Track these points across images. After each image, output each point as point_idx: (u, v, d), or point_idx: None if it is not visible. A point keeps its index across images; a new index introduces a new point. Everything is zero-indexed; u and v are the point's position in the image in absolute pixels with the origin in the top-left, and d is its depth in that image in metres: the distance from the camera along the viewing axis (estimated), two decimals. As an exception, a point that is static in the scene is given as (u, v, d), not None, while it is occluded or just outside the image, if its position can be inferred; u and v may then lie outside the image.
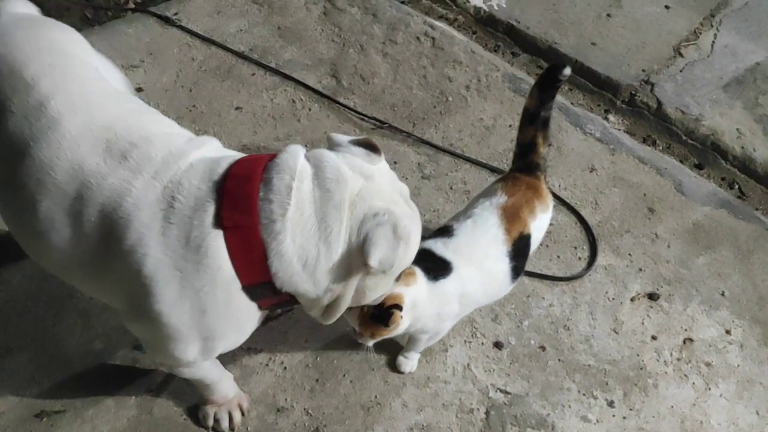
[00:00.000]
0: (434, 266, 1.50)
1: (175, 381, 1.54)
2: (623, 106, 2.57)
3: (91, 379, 1.58)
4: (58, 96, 1.16)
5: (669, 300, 1.95)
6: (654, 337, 1.86)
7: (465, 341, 1.78)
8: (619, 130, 2.48)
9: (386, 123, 2.27)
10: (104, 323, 1.65)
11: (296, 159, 1.14)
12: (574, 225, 2.09)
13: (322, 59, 2.47)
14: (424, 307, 1.47)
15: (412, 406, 1.65)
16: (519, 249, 1.58)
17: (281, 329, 1.71)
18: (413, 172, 2.15)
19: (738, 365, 1.85)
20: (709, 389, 1.79)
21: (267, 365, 1.66)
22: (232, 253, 1.09)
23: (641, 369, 1.80)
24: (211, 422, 1.52)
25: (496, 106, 2.41)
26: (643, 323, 1.89)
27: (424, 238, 1.63)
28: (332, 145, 1.23)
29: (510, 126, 2.34)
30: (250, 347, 1.67)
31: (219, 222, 1.09)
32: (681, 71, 2.68)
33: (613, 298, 1.93)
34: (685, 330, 1.90)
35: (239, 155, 1.20)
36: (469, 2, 2.85)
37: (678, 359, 1.83)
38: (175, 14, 2.50)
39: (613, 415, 1.71)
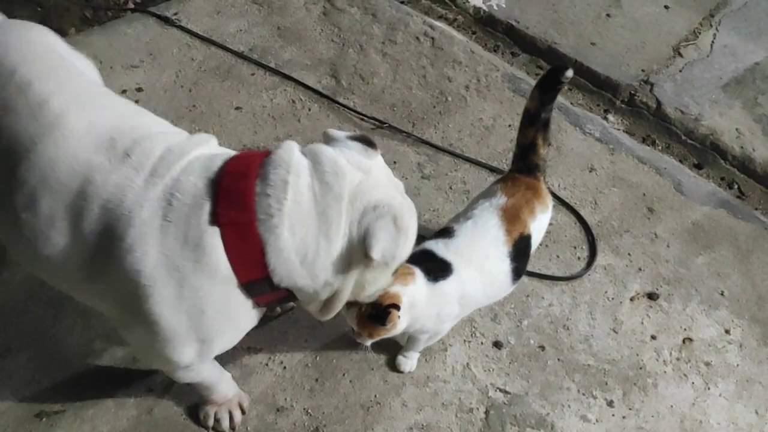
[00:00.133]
0: (434, 267, 1.51)
1: (175, 381, 1.54)
2: (623, 106, 2.57)
3: (91, 379, 1.58)
4: (59, 95, 1.16)
5: (668, 300, 1.95)
6: (653, 337, 1.87)
7: (464, 341, 1.78)
8: (619, 130, 2.48)
9: (386, 123, 2.27)
10: (104, 323, 1.65)
11: (291, 154, 1.14)
12: (574, 225, 2.10)
13: (321, 59, 2.47)
14: (423, 307, 1.47)
15: (412, 406, 1.65)
16: (519, 250, 1.58)
17: (281, 329, 1.71)
18: (413, 172, 2.16)
19: (737, 365, 1.85)
20: (709, 389, 1.79)
21: (267, 365, 1.66)
22: (229, 250, 1.09)
23: (641, 368, 1.80)
24: (211, 422, 1.53)
25: (496, 106, 2.42)
26: (642, 323, 1.89)
27: (425, 239, 1.63)
28: (329, 141, 1.23)
29: (509, 126, 2.34)
30: (249, 347, 1.68)
31: (215, 219, 1.09)
32: (680, 71, 2.69)
33: (612, 298, 1.93)
34: (685, 330, 1.90)
35: (235, 153, 1.21)
36: (468, 2, 2.85)
37: (677, 359, 1.84)
38: (175, 14, 2.51)
39: (613, 415, 1.71)
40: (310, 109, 2.29)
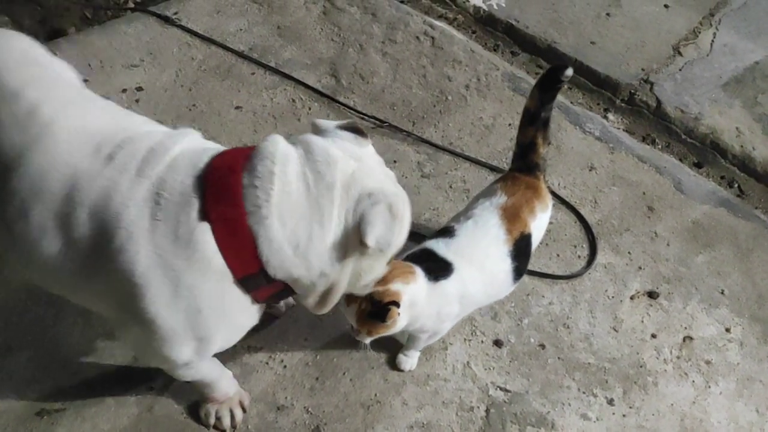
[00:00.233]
0: (435, 267, 1.51)
1: (176, 379, 1.54)
2: (623, 105, 2.58)
3: (91, 378, 1.58)
4: (48, 103, 1.15)
5: (668, 298, 1.96)
6: (654, 336, 1.87)
7: (465, 339, 1.78)
8: (619, 128, 2.48)
9: (386, 122, 2.27)
10: (104, 323, 1.65)
11: (276, 145, 1.14)
12: (574, 223, 2.10)
13: (321, 58, 2.47)
14: (423, 306, 1.47)
15: (412, 404, 1.65)
16: (520, 249, 1.59)
17: (281, 328, 1.71)
18: (413, 171, 2.16)
19: (738, 363, 1.85)
20: (709, 387, 1.79)
21: (267, 363, 1.67)
22: (221, 246, 1.09)
23: (641, 367, 1.80)
24: (212, 420, 1.53)
25: (496, 105, 2.42)
26: (642, 321, 1.89)
27: (425, 238, 1.64)
28: (318, 131, 1.23)
29: (509, 125, 2.34)
30: (250, 346, 1.68)
31: (205, 216, 1.09)
32: (680, 70, 2.69)
33: (612, 297, 1.93)
34: (685, 328, 1.90)
35: (220, 148, 1.20)
36: (468, 1, 2.85)
37: (678, 357, 1.84)
38: (175, 14, 2.51)
39: (613, 413, 1.71)
40: (310, 109, 2.29)
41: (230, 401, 1.53)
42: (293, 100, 2.30)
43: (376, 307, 1.38)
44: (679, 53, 2.77)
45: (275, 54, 2.45)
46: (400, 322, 1.43)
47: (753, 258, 2.10)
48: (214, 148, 1.20)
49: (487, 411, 1.67)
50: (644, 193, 2.23)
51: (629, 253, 2.05)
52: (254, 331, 1.68)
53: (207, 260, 1.09)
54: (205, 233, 1.08)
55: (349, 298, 1.43)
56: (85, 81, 2.22)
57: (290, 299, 1.59)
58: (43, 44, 2.34)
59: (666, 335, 1.87)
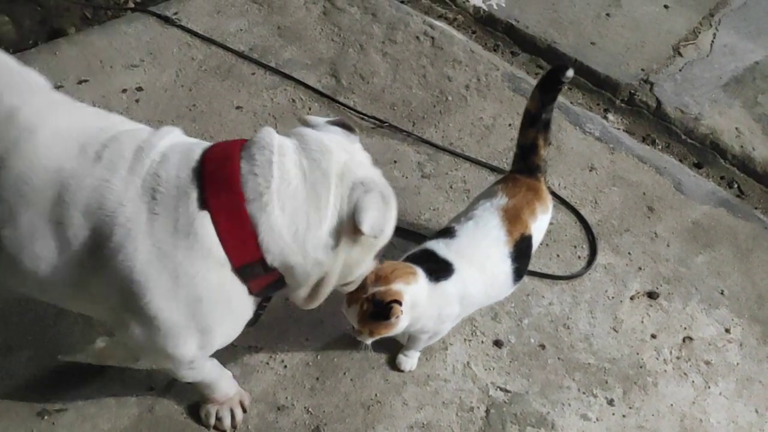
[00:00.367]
0: (436, 267, 1.51)
1: (176, 380, 1.54)
2: (622, 105, 2.58)
3: (92, 378, 1.58)
4: (24, 107, 1.14)
5: (668, 299, 1.96)
6: (653, 336, 1.87)
7: (465, 340, 1.78)
8: (619, 129, 2.49)
9: (386, 122, 2.27)
10: (105, 322, 1.65)
11: (272, 136, 1.17)
12: (574, 224, 2.10)
13: (321, 59, 2.47)
14: (425, 307, 1.47)
15: (413, 405, 1.65)
16: (521, 250, 1.59)
17: (282, 328, 1.71)
18: (413, 171, 2.16)
19: (737, 363, 1.85)
20: (709, 387, 1.79)
21: (267, 364, 1.67)
22: (221, 234, 1.10)
23: (641, 367, 1.80)
24: (213, 420, 1.53)
25: (496, 106, 2.42)
26: (642, 322, 1.90)
27: (426, 238, 1.64)
28: (309, 126, 1.25)
29: (509, 125, 2.35)
30: (250, 346, 1.68)
31: (204, 205, 1.10)
32: (680, 70, 2.69)
33: (612, 297, 1.94)
34: (685, 328, 1.90)
35: (205, 143, 1.21)
36: (468, 2, 2.85)
37: (677, 358, 1.84)
38: (175, 14, 2.51)
39: (613, 414, 1.71)
40: (310, 109, 2.29)
41: (230, 401, 1.54)
42: (293, 101, 2.31)
43: (378, 307, 1.38)
44: (679, 53, 2.77)
45: (275, 54, 2.45)
46: (401, 322, 1.43)
47: (753, 258, 2.11)
48: (200, 143, 1.22)
49: (487, 411, 1.67)
50: (644, 194, 2.23)
51: (629, 253, 2.05)
52: (255, 331, 1.69)
53: (207, 249, 1.10)
54: (204, 222, 1.09)
55: (351, 299, 1.43)
56: (85, 81, 2.23)
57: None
58: (43, 44, 2.36)
59: (666, 336, 1.88)
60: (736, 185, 2.38)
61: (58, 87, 2.18)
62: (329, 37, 2.56)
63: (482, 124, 2.35)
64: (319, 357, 1.70)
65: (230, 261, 1.12)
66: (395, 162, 2.17)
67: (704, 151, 2.45)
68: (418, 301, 1.44)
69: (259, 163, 1.12)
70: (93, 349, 1.51)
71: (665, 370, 1.81)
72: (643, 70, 2.67)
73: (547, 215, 1.69)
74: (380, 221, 1.17)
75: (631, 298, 1.94)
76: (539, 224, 1.65)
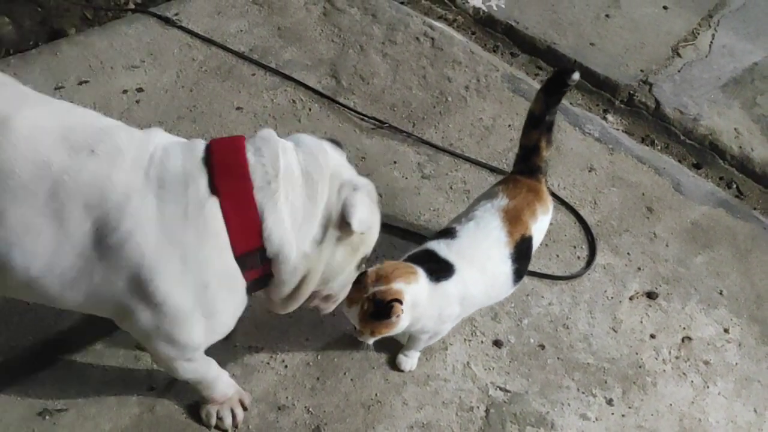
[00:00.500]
0: (437, 267, 1.51)
1: (177, 380, 1.55)
2: (622, 106, 2.58)
3: (93, 378, 1.59)
4: (0, 104, 1.13)
5: (667, 299, 1.96)
6: (653, 336, 1.88)
7: (465, 339, 1.79)
8: (618, 129, 2.49)
9: (386, 123, 2.28)
10: (106, 322, 1.66)
11: (272, 134, 1.24)
12: (573, 224, 2.11)
13: (322, 59, 2.48)
14: (425, 307, 1.48)
15: (413, 404, 1.66)
16: (521, 251, 1.59)
17: (282, 328, 1.72)
18: (413, 172, 2.16)
19: (736, 363, 1.86)
20: (708, 387, 1.80)
21: (268, 364, 1.67)
22: (227, 220, 1.14)
23: (640, 367, 1.81)
24: (214, 421, 1.53)
25: (496, 106, 2.42)
26: (641, 322, 1.90)
27: (426, 239, 1.64)
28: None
29: (509, 126, 2.35)
30: (251, 346, 1.68)
31: (214, 190, 1.14)
32: (679, 71, 2.70)
33: (611, 297, 1.94)
34: (684, 328, 1.91)
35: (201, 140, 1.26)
36: (468, 3, 2.86)
37: (676, 357, 1.85)
38: (176, 15, 2.51)
39: (612, 413, 1.72)
40: (310, 109, 2.30)
41: (230, 401, 1.54)
42: (294, 101, 2.31)
43: (379, 306, 1.39)
44: (678, 54, 2.78)
45: (276, 55, 2.46)
46: (402, 321, 1.44)
47: (751, 258, 2.11)
48: (199, 140, 1.25)
49: (487, 411, 1.68)
50: (643, 194, 2.24)
51: (628, 253, 2.06)
52: (255, 331, 1.70)
53: (215, 233, 1.14)
54: (213, 207, 1.14)
55: (351, 300, 1.44)
56: (86, 82, 2.23)
57: None
58: (44, 45, 2.36)
59: (665, 335, 1.88)
60: (735, 186, 2.39)
61: (58, 88, 2.19)
62: (329, 38, 2.57)
63: (482, 124, 2.36)
64: (319, 357, 1.70)
65: (233, 248, 1.16)
66: (395, 162, 2.17)
67: (703, 152, 2.46)
68: (419, 301, 1.45)
69: (266, 154, 1.18)
70: (94, 350, 1.51)
71: (664, 370, 1.81)
72: (642, 71, 2.67)
73: (548, 216, 1.70)
74: (368, 218, 1.24)
75: (630, 299, 1.95)
76: (540, 225, 1.66)
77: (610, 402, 1.73)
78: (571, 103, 2.53)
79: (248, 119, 2.23)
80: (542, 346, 1.81)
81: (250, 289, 1.27)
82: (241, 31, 2.52)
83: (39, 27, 2.44)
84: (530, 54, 2.72)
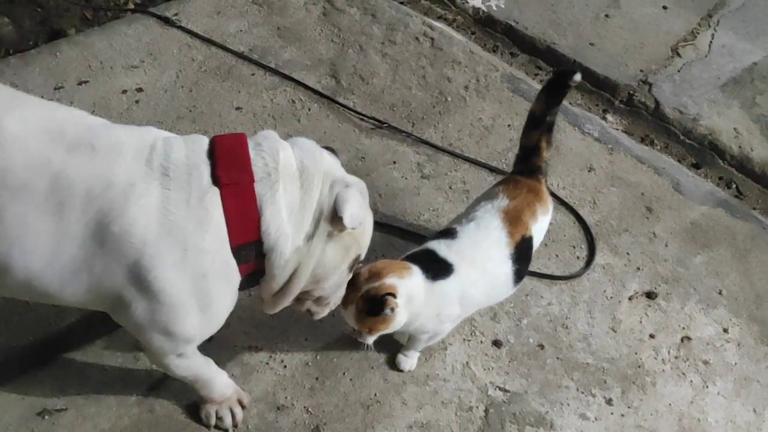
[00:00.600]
0: (435, 267, 1.52)
1: (176, 380, 1.55)
2: (621, 106, 2.59)
3: (92, 378, 1.59)
4: None
5: (667, 299, 1.96)
6: (652, 336, 1.88)
7: (464, 339, 1.79)
8: (617, 129, 2.49)
9: (385, 123, 2.28)
10: (106, 322, 1.66)
11: (271, 132, 1.28)
12: (573, 224, 2.11)
13: (321, 59, 2.48)
14: (422, 304, 1.48)
15: (412, 404, 1.66)
16: (521, 252, 1.60)
17: (282, 328, 1.72)
18: (412, 172, 2.16)
19: (735, 363, 1.86)
20: (707, 387, 1.80)
21: (267, 364, 1.67)
22: (227, 211, 1.17)
23: (639, 367, 1.81)
24: (213, 421, 1.53)
25: (495, 106, 2.43)
26: (641, 322, 1.90)
27: (426, 239, 1.64)
28: None
29: (509, 126, 2.35)
30: (250, 346, 1.68)
31: (216, 181, 1.17)
32: (679, 71, 2.70)
33: (611, 297, 1.94)
34: (683, 328, 1.91)
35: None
36: (467, 2, 2.86)
37: (676, 357, 1.85)
38: (175, 15, 2.51)
39: (612, 413, 1.72)
40: (310, 109, 2.30)
41: (229, 401, 1.54)
42: (293, 101, 2.31)
43: (373, 301, 1.39)
44: (678, 54, 2.78)
45: (275, 55, 2.46)
46: (399, 317, 1.44)
47: (751, 258, 2.11)
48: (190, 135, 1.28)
49: (486, 411, 1.68)
50: (643, 194, 2.24)
51: (628, 253, 2.06)
52: (254, 331, 1.71)
53: (215, 223, 1.16)
54: (215, 197, 1.16)
55: (347, 301, 1.45)
56: (86, 82, 2.24)
57: None
58: (44, 45, 2.37)
59: (664, 335, 1.88)
60: (734, 186, 2.39)
61: (58, 88, 2.19)
62: (329, 38, 2.57)
63: (481, 124, 2.36)
64: (318, 357, 1.70)
65: (230, 239, 1.18)
66: (394, 162, 2.17)
67: (703, 152, 2.46)
68: (414, 296, 1.45)
69: (266, 148, 1.23)
70: (93, 349, 1.51)
71: (663, 370, 1.82)
72: (641, 70, 2.67)
73: (548, 217, 1.70)
74: (359, 213, 1.26)
75: (630, 298, 1.95)
76: (540, 225, 1.66)
77: (609, 402, 1.74)
78: (570, 103, 2.53)
79: (248, 119, 2.23)
80: (541, 346, 1.81)
81: (242, 286, 1.28)
82: (241, 31, 2.52)
83: (39, 27, 2.44)
84: (530, 54, 2.73)
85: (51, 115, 1.17)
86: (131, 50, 2.36)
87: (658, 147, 2.47)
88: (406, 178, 2.14)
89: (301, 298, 1.40)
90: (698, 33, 2.89)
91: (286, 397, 1.63)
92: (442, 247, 1.56)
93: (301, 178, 1.24)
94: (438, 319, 1.55)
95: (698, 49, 2.81)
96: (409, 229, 1.98)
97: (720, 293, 2.01)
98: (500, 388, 1.72)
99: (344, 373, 1.69)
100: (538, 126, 1.65)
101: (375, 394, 1.66)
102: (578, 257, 2.02)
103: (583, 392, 1.74)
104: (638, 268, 2.02)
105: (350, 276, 1.42)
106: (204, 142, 1.23)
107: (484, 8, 2.84)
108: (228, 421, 1.53)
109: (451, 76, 2.51)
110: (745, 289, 2.03)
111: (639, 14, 2.94)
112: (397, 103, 2.38)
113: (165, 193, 1.14)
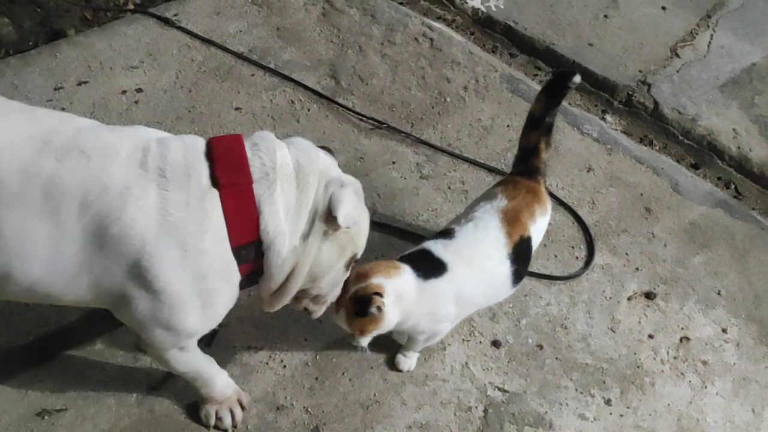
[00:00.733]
0: (428, 266, 1.52)
1: (176, 379, 1.55)
2: (620, 106, 2.59)
3: (92, 378, 1.59)
4: None
5: (665, 299, 1.97)
6: (651, 336, 1.88)
7: (463, 340, 1.79)
8: (616, 130, 2.50)
9: (385, 123, 2.28)
10: (106, 322, 1.66)
11: (266, 132, 1.29)
12: (572, 224, 2.11)
13: (321, 60, 2.48)
14: (414, 302, 1.48)
15: (411, 405, 1.66)
16: (520, 252, 1.60)
17: (281, 328, 1.72)
18: (412, 172, 2.17)
19: (734, 363, 1.86)
20: (706, 387, 1.80)
21: (267, 364, 1.67)
22: (226, 212, 1.18)
23: (638, 367, 1.81)
24: (213, 421, 1.53)
25: (494, 107, 2.43)
26: (639, 322, 1.91)
27: (425, 239, 1.65)
28: None
29: (508, 126, 2.36)
30: (250, 346, 1.69)
31: (214, 182, 1.18)
32: (677, 72, 2.70)
33: (610, 297, 1.94)
34: (682, 329, 1.91)
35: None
36: (466, 3, 2.86)
37: (674, 357, 1.85)
38: (175, 15, 2.51)
39: (611, 413, 1.72)
40: (309, 110, 2.30)
41: (228, 401, 1.54)
42: (292, 102, 2.31)
43: (360, 302, 1.40)
44: (677, 55, 2.78)
45: (275, 55, 2.46)
46: (389, 316, 1.44)
47: (749, 259, 2.12)
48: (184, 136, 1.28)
49: (485, 411, 1.68)
50: (641, 194, 2.24)
51: (626, 254, 2.06)
52: (254, 331, 1.71)
53: (215, 224, 1.17)
54: (214, 198, 1.17)
55: (338, 306, 1.47)
56: (85, 82, 2.24)
57: None
58: (44, 46, 2.37)
59: (663, 336, 1.89)
60: (733, 186, 2.39)
61: (58, 88, 2.20)
62: (328, 39, 2.57)
63: (480, 125, 2.36)
64: (318, 357, 1.71)
65: (230, 239, 1.19)
66: (394, 163, 2.18)
67: (701, 152, 2.46)
68: (404, 294, 1.46)
69: (263, 148, 1.23)
70: (93, 349, 1.52)
71: (662, 370, 1.82)
72: (640, 71, 2.68)
73: (546, 217, 1.71)
74: (354, 213, 1.26)
75: (629, 299, 1.95)
76: (538, 226, 1.66)
77: (608, 402, 1.74)
78: (569, 104, 2.53)
79: (247, 120, 2.23)
80: (540, 347, 1.81)
81: (242, 285, 1.29)
82: (241, 31, 2.52)
83: (39, 28, 2.45)
84: (529, 54, 2.73)
85: (38, 122, 1.17)
86: (131, 51, 2.37)
87: (657, 147, 2.47)
88: (405, 179, 2.14)
89: (299, 297, 1.41)
90: (697, 33, 2.89)
91: (285, 397, 1.63)
92: (438, 247, 1.57)
93: (297, 178, 1.25)
94: (433, 318, 1.55)
95: (697, 49, 2.82)
96: (408, 229, 1.98)
97: (719, 293, 2.01)
98: (499, 389, 1.72)
99: (344, 373, 1.69)
100: (538, 127, 1.65)
101: (374, 395, 1.66)
102: (577, 257, 2.03)
103: (582, 392, 1.74)
104: (637, 269, 2.03)
105: (347, 275, 1.43)
106: (200, 143, 1.24)
107: (483, 9, 2.84)
108: (228, 421, 1.54)
109: (451, 77, 2.51)
110: (744, 290, 2.03)
111: (638, 15, 2.94)
112: (397, 104, 2.38)
113: (163, 194, 1.14)
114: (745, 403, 1.79)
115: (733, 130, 2.51)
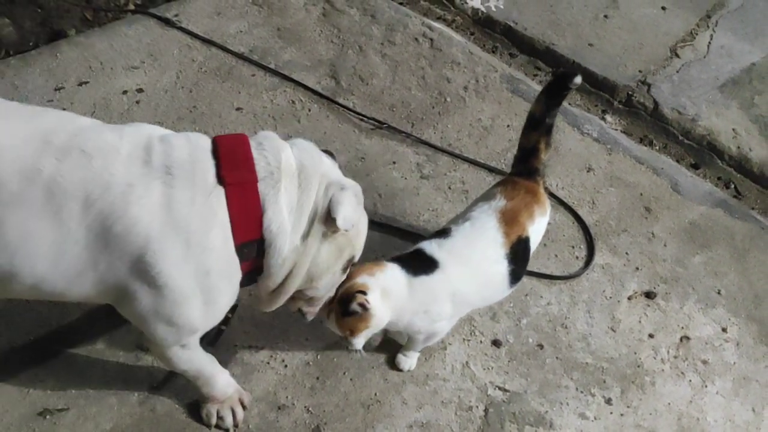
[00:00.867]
0: (416, 263, 1.53)
1: (178, 378, 1.55)
2: (620, 106, 2.59)
3: (94, 377, 1.59)
4: None
5: (666, 298, 1.97)
6: (651, 335, 1.88)
7: (464, 339, 1.79)
8: (616, 130, 2.50)
9: (385, 123, 2.28)
10: (107, 322, 1.67)
11: (270, 132, 1.30)
12: (572, 224, 2.11)
13: (321, 60, 2.48)
14: (404, 300, 1.49)
15: (412, 404, 1.67)
16: (517, 253, 1.60)
17: (282, 327, 1.73)
18: (412, 172, 2.17)
19: (734, 363, 1.87)
20: (706, 386, 1.81)
21: (268, 363, 1.68)
22: (232, 210, 1.19)
23: (638, 367, 1.82)
24: (214, 420, 1.54)
25: (494, 107, 2.43)
26: (640, 321, 1.91)
27: (423, 238, 1.65)
28: None
29: (508, 126, 2.36)
30: (251, 345, 1.69)
31: (220, 180, 1.19)
32: (677, 72, 2.70)
33: (610, 297, 1.95)
34: (682, 328, 1.92)
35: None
36: (466, 3, 2.87)
37: (675, 357, 1.85)
38: (176, 15, 2.52)
39: (611, 413, 1.72)
40: (309, 110, 2.30)
41: (230, 400, 1.54)
42: (293, 102, 2.32)
43: (345, 302, 1.41)
44: (677, 55, 2.78)
45: (275, 56, 2.46)
46: (378, 314, 1.44)
47: (749, 258, 2.12)
48: (187, 133, 1.29)
49: (486, 410, 1.68)
50: (641, 194, 2.24)
51: (627, 253, 2.06)
52: (255, 331, 1.71)
53: (220, 221, 1.18)
54: (220, 195, 1.18)
55: (329, 310, 1.48)
56: (86, 83, 2.24)
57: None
58: (44, 46, 2.37)
59: (663, 335, 1.89)
60: (733, 186, 2.40)
61: (58, 89, 2.20)
62: (329, 39, 2.57)
63: (481, 125, 2.36)
64: (319, 357, 1.71)
65: (234, 237, 1.20)
66: (394, 163, 2.18)
67: (701, 152, 2.47)
68: (391, 291, 1.46)
69: (268, 147, 1.25)
70: (94, 349, 1.52)
71: (663, 370, 1.82)
72: (640, 71, 2.68)
73: (545, 218, 1.71)
74: (353, 216, 1.28)
75: (629, 298, 1.96)
76: (537, 227, 1.66)
77: (608, 401, 1.74)
78: (569, 104, 2.54)
79: (248, 120, 2.23)
80: (541, 346, 1.82)
81: (241, 283, 1.30)
82: (241, 31, 2.53)
83: (39, 28, 2.45)
84: (529, 54, 2.73)
85: (38, 122, 1.17)
86: (131, 51, 2.37)
87: (657, 147, 2.48)
88: (405, 179, 2.14)
89: (295, 297, 1.42)
90: (697, 34, 2.90)
91: (286, 397, 1.63)
92: (432, 246, 1.57)
93: (299, 178, 1.26)
94: (428, 316, 1.55)
95: (697, 49, 2.82)
96: (408, 229, 1.99)
97: (719, 293, 2.01)
98: (500, 388, 1.72)
99: (345, 373, 1.69)
100: (538, 127, 1.65)
101: (375, 394, 1.67)
102: (577, 257, 2.03)
103: (582, 392, 1.75)
104: (637, 268, 2.03)
105: (344, 278, 1.43)
106: (205, 141, 1.25)
107: (483, 9, 2.85)
108: (229, 420, 1.54)
109: (451, 77, 2.51)
110: (744, 289, 2.04)
111: (638, 15, 2.95)
112: (397, 104, 2.38)
113: (168, 191, 1.15)
114: (745, 403, 1.79)
115: (733, 130, 2.51)
